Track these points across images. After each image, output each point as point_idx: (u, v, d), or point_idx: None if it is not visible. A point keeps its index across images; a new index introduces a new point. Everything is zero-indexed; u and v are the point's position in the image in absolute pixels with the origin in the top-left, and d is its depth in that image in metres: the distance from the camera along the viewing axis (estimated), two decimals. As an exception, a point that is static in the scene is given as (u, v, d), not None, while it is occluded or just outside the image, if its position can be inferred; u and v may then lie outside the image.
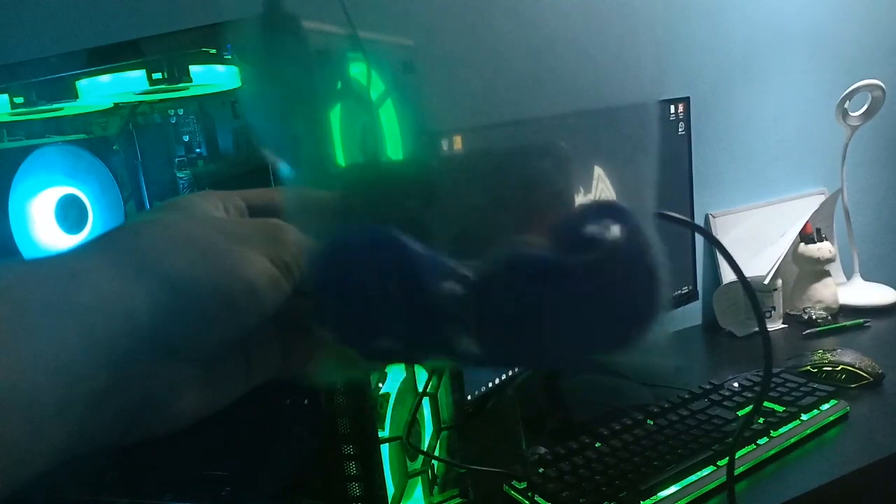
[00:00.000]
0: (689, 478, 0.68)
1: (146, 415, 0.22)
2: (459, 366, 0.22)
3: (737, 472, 0.69)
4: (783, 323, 1.15)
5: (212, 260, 0.22)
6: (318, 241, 0.24)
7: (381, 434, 0.51)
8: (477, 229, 0.23)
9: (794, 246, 1.17)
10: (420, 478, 0.59)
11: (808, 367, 0.91)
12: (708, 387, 0.85)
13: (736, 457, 0.70)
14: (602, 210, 0.21)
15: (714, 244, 0.25)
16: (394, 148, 0.47)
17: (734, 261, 0.24)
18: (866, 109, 1.17)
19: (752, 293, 0.25)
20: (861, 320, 1.11)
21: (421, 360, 0.24)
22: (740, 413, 0.79)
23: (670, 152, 1.00)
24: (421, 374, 0.59)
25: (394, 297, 0.22)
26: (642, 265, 0.21)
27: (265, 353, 0.27)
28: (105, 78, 0.50)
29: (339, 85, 0.45)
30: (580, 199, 0.23)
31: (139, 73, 0.49)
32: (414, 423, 0.56)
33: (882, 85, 1.14)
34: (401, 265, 0.22)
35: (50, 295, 0.19)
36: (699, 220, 1.18)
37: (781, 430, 0.75)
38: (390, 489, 0.52)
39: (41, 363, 0.18)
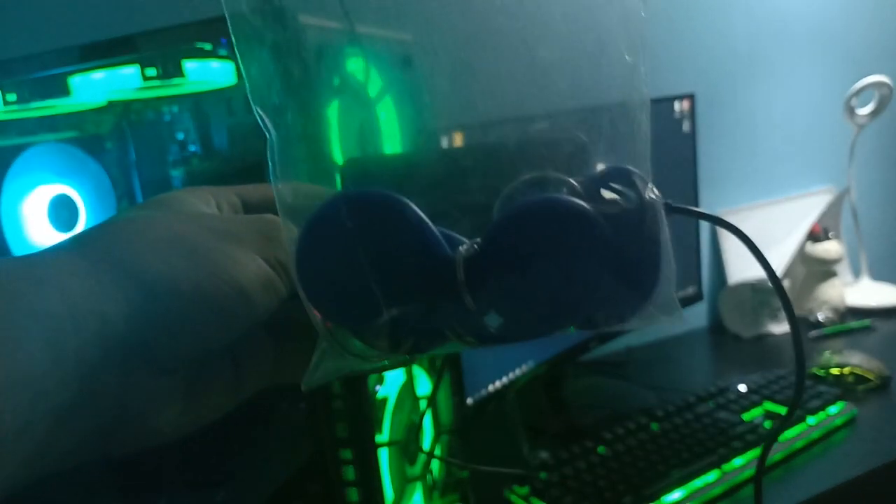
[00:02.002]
0: (694, 482, 0.67)
1: (120, 432, 0.19)
2: (472, 343, 0.21)
3: (742, 476, 0.68)
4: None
5: (198, 260, 0.20)
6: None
7: (379, 438, 0.50)
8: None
9: (801, 245, 1.16)
10: (419, 483, 0.58)
11: (815, 370, 0.90)
12: (713, 390, 0.84)
13: (740, 462, 0.69)
14: (618, 171, 0.21)
15: (743, 240, 0.24)
16: (393, 145, 0.46)
17: (763, 256, 0.23)
18: (874, 107, 1.16)
19: (782, 292, 0.24)
20: (868, 322, 1.09)
21: (428, 344, 0.22)
22: (744, 416, 0.77)
23: (675, 150, 0.99)
24: (421, 378, 0.58)
25: (400, 265, 0.20)
26: (653, 221, 0.20)
27: (258, 361, 0.24)
28: (98, 75, 0.49)
29: (337, 81, 0.44)
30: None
31: (132, 70, 0.48)
32: (421, 427, 0.55)
33: (889, 82, 1.13)
34: (404, 226, 0.20)
35: (11, 302, 0.17)
36: (704, 220, 1.17)
37: (788, 434, 0.74)
38: (389, 494, 0.51)
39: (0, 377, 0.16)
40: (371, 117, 0.42)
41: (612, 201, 0.21)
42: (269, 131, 0.22)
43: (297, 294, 0.22)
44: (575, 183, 0.21)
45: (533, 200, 0.20)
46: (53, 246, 0.20)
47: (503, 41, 0.25)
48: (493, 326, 0.20)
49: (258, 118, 0.23)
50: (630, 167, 0.21)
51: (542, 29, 0.24)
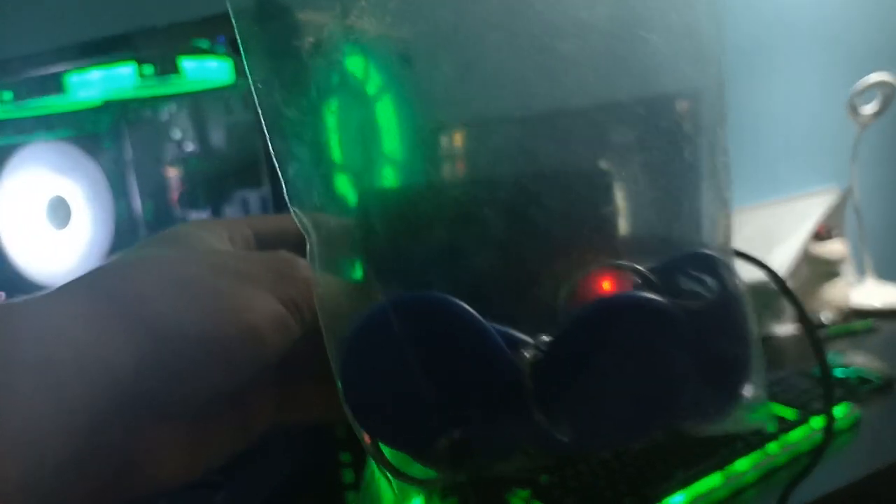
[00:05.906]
0: (697, 484, 0.66)
1: (121, 483, 0.19)
2: (542, 460, 0.18)
3: (745, 479, 0.68)
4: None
5: (210, 305, 0.19)
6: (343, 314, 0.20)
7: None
8: (522, 271, 0.21)
9: (804, 245, 1.15)
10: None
11: (818, 371, 0.89)
12: (716, 390, 0.83)
13: (743, 464, 0.69)
14: (697, 257, 0.19)
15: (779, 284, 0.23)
16: (393, 145, 0.45)
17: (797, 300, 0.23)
18: (877, 106, 1.15)
19: (802, 312, 0.23)
20: (871, 323, 1.09)
21: (492, 464, 0.19)
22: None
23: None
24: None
25: (458, 376, 0.18)
26: (741, 316, 0.18)
27: (267, 402, 0.24)
28: (95, 73, 0.49)
29: (335, 79, 0.44)
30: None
31: (129, 68, 0.47)
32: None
33: (893, 81, 1.12)
34: (461, 333, 0.17)
35: (13, 352, 0.16)
36: (706, 220, 1.16)
37: (792, 437, 0.73)
38: (389, 497, 0.51)
39: (5, 434, 0.15)
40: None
41: (693, 292, 0.19)
42: (308, 233, 0.21)
43: (307, 332, 0.21)
44: (648, 273, 0.19)
45: (609, 299, 0.18)
46: (56, 289, 0.19)
47: (508, 36, 0.25)
48: (567, 440, 0.18)
49: (296, 219, 0.21)
50: (711, 252, 0.20)
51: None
